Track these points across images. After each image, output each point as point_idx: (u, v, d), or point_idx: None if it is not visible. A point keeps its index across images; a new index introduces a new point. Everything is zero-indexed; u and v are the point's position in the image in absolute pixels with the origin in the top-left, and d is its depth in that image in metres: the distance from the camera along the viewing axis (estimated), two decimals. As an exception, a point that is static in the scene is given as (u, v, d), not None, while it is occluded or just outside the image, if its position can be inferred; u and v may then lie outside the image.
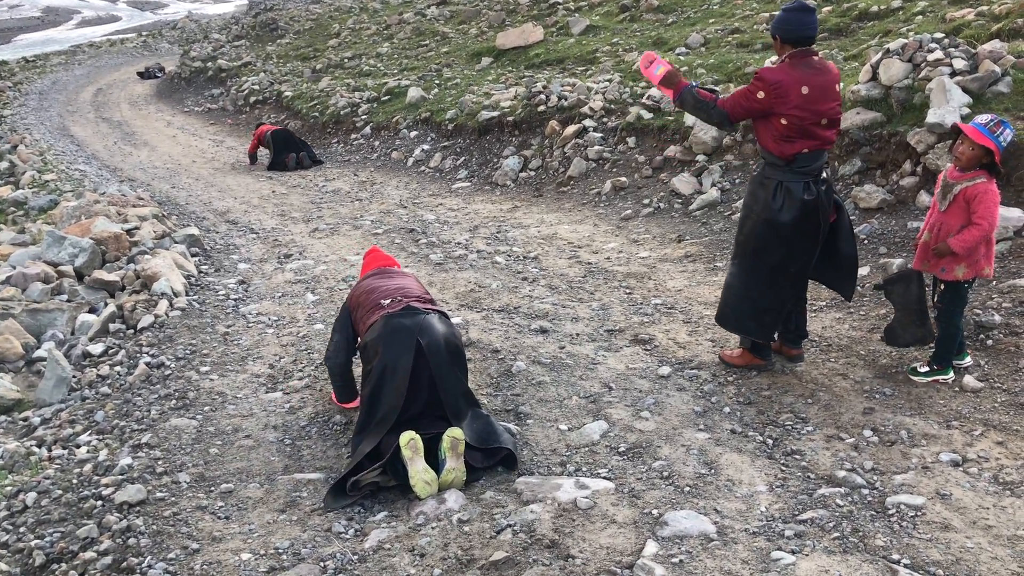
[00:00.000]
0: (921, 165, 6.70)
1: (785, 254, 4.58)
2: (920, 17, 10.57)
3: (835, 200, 4.68)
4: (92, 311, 6.52)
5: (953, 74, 6.94)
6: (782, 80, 4.31)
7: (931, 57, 7.17)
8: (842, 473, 3.83)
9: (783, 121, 4.37)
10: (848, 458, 3.98)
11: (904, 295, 4.70)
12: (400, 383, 4.11)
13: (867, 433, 4.18)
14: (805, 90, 4.29)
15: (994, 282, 5.40)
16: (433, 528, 3.64)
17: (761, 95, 4.36)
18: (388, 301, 4.40)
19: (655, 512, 3.62)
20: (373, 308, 4.43)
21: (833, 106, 4.42)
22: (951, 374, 4.63)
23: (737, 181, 8.25)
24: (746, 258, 4.73)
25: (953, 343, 4.63)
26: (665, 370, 5.02)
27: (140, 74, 28.58)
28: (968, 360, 4.74)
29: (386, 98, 15.28)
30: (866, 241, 6.50)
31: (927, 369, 4.67)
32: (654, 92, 10.20)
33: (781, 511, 3.60)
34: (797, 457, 4.04)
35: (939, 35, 7.52)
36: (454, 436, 3.98)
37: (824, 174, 4.58)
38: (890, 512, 3.52)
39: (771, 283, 4.66)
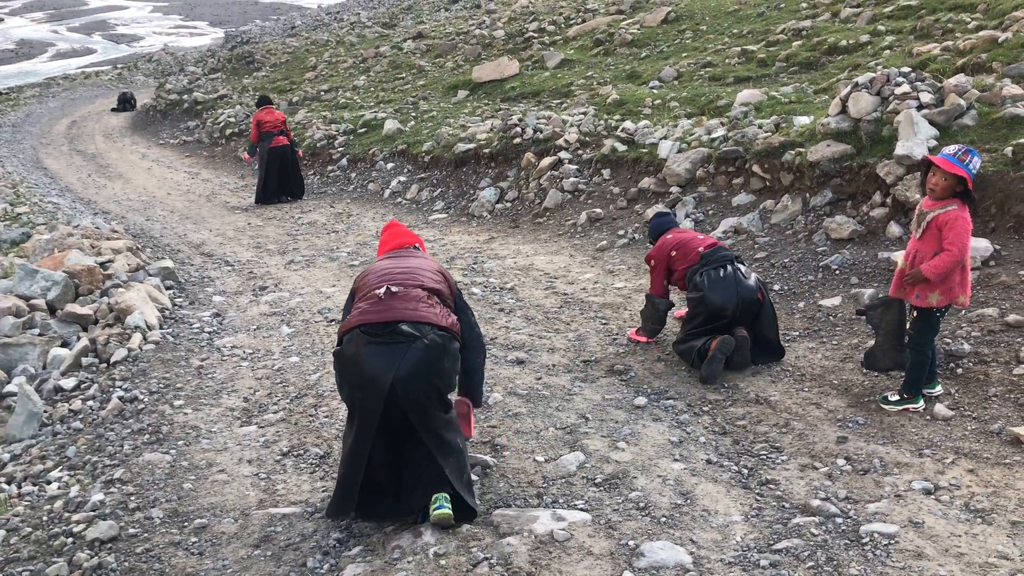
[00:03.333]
0: (891, 196, 6.82)
1: None
2: (888, 51, 10.82)
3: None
4: (64, 345, 6.45)
5: (920, 107, 7.09)
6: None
7: (899, 91, 7.33)
8: (816, 502, 3.85)
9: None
10: (822, 487, 4.00)
11: (885, 320, 4.79)
12: (367, 429, 3.71)
13: (840, 462, 4.22)
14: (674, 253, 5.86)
15: (963, 311, 5.48)
16: (409, 562, 3.62)
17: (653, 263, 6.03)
18: (382, 290, 3.89)
19: (631, 543, 3.62)
20: (367, 295, 3.96)
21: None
22: (921, 403, 4.69)
23: (711, 212, 8.35)
24: None
25: (923, 371, 4.69)
26: (641, 400, 5.05)
27: (115, 109, 28.46)
28: (939, 389, 4.81)
29: (363, 130, 15.35)
30: (837, 271, 6.58)
31: (897, 398, 4.73)
32: (628, 125, 10.33)
33: (757, 541, 3.61)
34: (772, 487, 4.06)
35: (906, 69, 7.70)
36: (441, 517, 3.71)
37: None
38: (864, 541, 3.54)
39: None
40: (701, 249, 5.71)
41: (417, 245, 4.50)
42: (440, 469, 3.77)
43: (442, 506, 3.73)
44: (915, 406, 4.67)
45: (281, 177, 13.14)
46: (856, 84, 7.68)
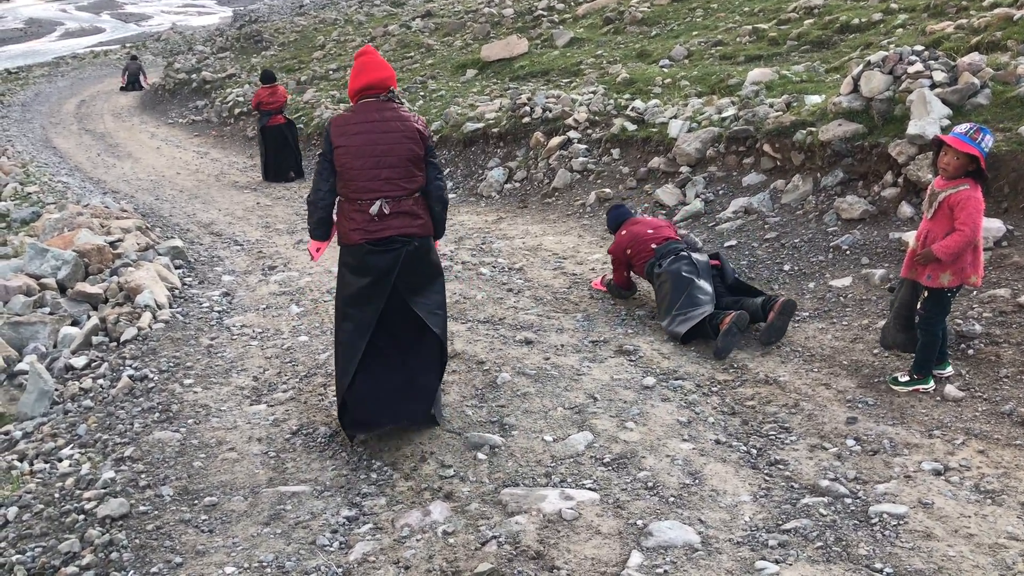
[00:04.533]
0: (902, 176, 6.77)
1: None
2: (900, 30, 10.70)
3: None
4: (75, 324, 6.48)
5: (933, 86, 7.02)
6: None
7: (911, 69, 7.25)
8: (825, 483, 3.85)
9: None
10: (831, 467, 4.00)
11: (897, 298, 4.83)
12: (365, 330, 4.42)
13: (850, 442, 4.21)
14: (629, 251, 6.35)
15: (974, 292, 5.45)
16: (418, 540, 3.64)
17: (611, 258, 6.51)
18: (375, 208, 4.38)
19: (640, 523, 3.63)
20: (354, 203, 4.44)
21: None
22: (931, 383, 4.67)
23: (720, 192, 8.30)
24: None
25: (932, 352, 4.67)
26: (649, 380, 5.04)
27: (123, 88, 28.40)
28: (950, 369, 4.79)
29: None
30: (848, 252, 6.54)
31: (907, 379, 4.71)
32: (638, 104, 10.26)
33: (765, 521, 3.62)
34: (781, 467, 4.06)
35: (919, 48, 7.61)
36: None
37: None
38: (873, 521, 3.54)
39: None
40: (653, 245, 6.19)
41: (392, 89, 4.57)
42: (432, 385, 4.60)
43: None
44: (925, 387, 4.66)
45: (279, 156, 13.28)
46: (868, 63, 7.60)
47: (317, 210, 4.58)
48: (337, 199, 4.57)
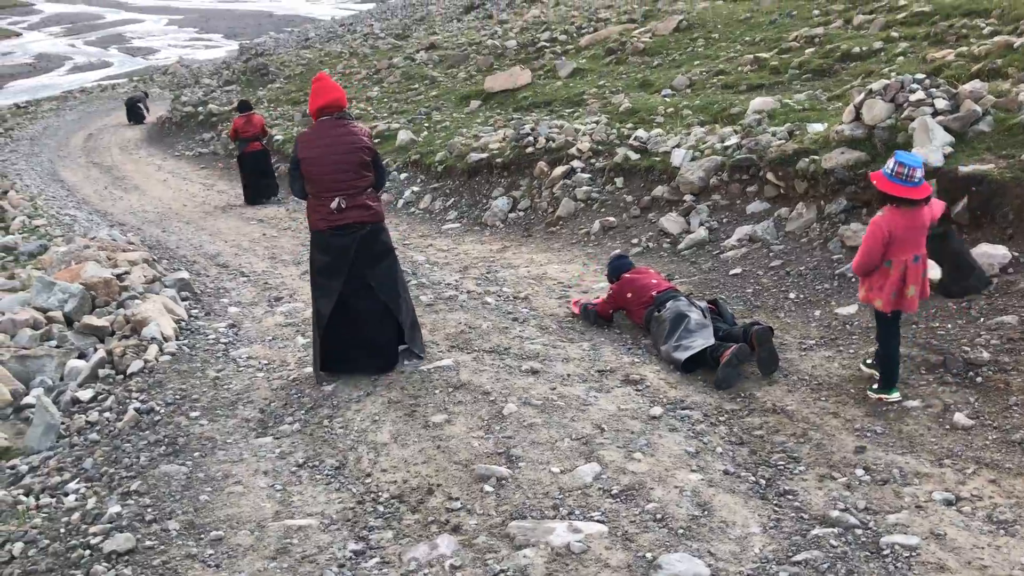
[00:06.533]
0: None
1: None
2: (901, 58, 10.77)
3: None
4: (81, 357, 6.49)
5: (935, 114, 7.05)
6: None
7: (913, 97, 7.29)
8: (835, 513, 3.82)
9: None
10: (841, 498, 3.97)
11: (941, 252, 5.17)
12: (331, 295, 5.72)
13: (859, 472, 4.18)
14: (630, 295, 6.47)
15: (982, 319, 5.44)
16: (425, 574, 3.61)
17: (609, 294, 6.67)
18: (335, 204, 5.63)
19: (649, 555, 3.60)
20: (319, 199, 5.70)
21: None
22: (895, 395, 4.90)
23: (724, 220, 8.32)
24: None
25: (887, 365, 4.94)
26: (657, 410, 5.02)
27: (130, 114, 28.58)
28: (896, 395, 4.91)
29: (376, 141, 15.39)
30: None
31: (876, 387, 4.98)
32: (640, 133, 10.32)
33: (775, 552, 3.59)
34: (790, 497, 4.03)
35: (920, 75, 7.66)
36: None
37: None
38: (884, 552, 3.51)
39: None
40: (654, 292, 6.30)
41: (344, 109, 5.80)
42: (398, 328, 5.94)
43: None
44: (888, 397, 4.90)
45: (257, 181, 14.25)
46: (870, 91, 7.64)
47: (297, 194, 5.95)
48: (307, 200, 5.85)
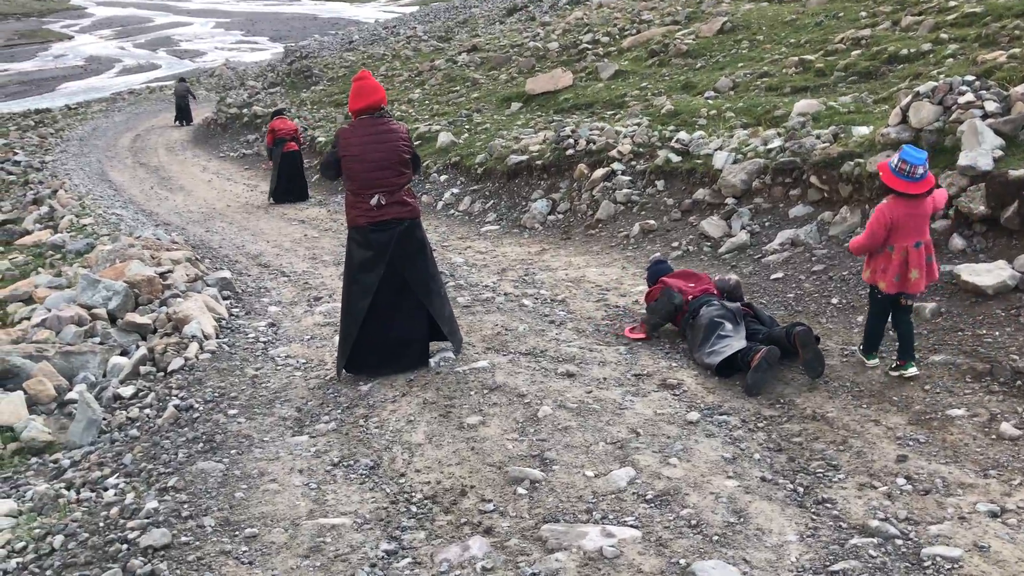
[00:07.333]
0: (953, 208, 6.62)
1: None
2: (951, 60, 10.54)
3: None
4: (124, 354, 6.60)
5: (985, 116, 6.88)
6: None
7: (962, 99, 7.12)
8: (875, 523, 3.73)
9: None
10: (881, 507, 3.88)
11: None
12: (368, 291, 5.80)
13: (900, 481, 4.09)
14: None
15: (1031, 326, 5.30)
16: (457, 576, 3.60)
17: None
18: (375, 200, 5.76)
19: (683, 562, 3.55)
20: (359, 196, 5.84)
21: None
22: (873, 360, 5.40)
23: (767, 224, 8.21)
24: None
25: (870, 334, 5.45)
26: (694, 415, 4.96)
27: (179, 114, 29.09)
28: (874, 361, 5.40)
29: (417, 143, 15.46)
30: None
31: (895, 367, 5.30)
32: (682, 135, 10.23)
33: (812, 562, 3.51)
34: (829, 506, 3.95)
35: (970, 77, 7.48)
36: None
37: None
38: (926, 564, 3.42)
39: None
40: (690, 297, 6.25)
41: (383, 107, 5.93)
42: (429, 324, 6.02)
43: None
44: (867, 361, 5.44)
45: (290, 180, 14.78)
46: (917, 93, 7.49)
47: (330, 178, 6.22)
48: (345, 194, 6.03)
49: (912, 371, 5.16)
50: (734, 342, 5.57)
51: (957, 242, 6.46)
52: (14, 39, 72.01)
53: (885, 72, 11.46)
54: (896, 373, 5.22)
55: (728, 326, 5.77)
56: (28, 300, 8.14)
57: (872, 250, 5.20)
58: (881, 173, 5.11)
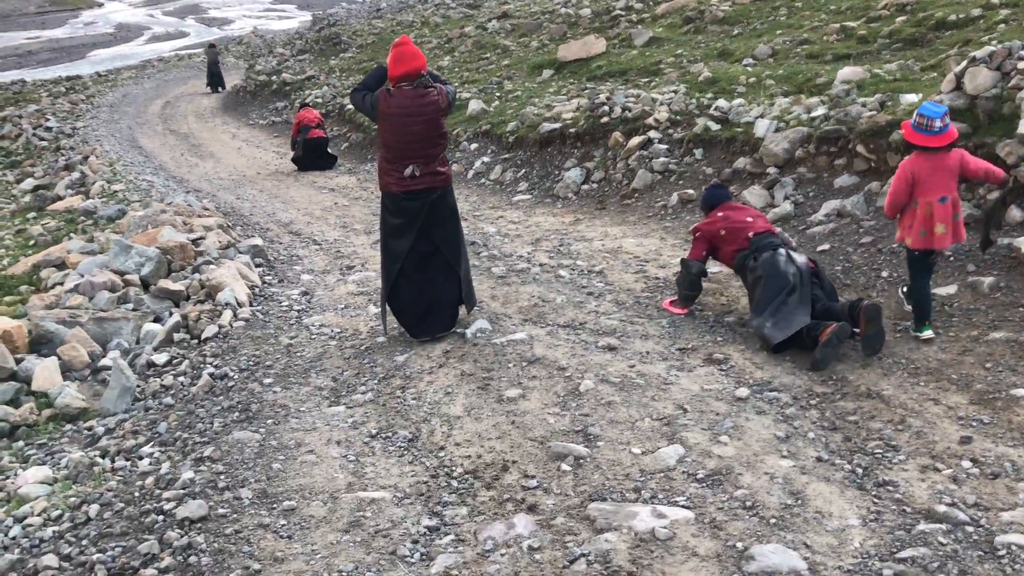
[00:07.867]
0: (1012, 178, 6.34)
1: None
2: (1003, 25, 10.15)
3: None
4: (157, 320, 6.52)
5: (1046, 83, 6.58)
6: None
7: (1022, 65, 6.81)
8: (942, 508, 3.55)
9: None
10: (947, 491, 3.70)
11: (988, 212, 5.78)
12: (399, 256, 5.88)
13: (966, 464, 3.90)
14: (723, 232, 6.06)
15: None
16: (502, 555, 3.47)
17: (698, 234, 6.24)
18: (408, 171, 5.75)
19: (739, 545, 3.40)
20: (392, 164, 5.81)
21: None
22: (927, 332, 5.26)
23: (811, 194, 7.96)
24: None
25: (918, 301, 5.33)
26: (743, 392, 4.78)
27: (210, 79, 29.06)
28: (928, 333, 5.24)
29: (447, 111, 15.23)
30: (952, 258, 6.17)
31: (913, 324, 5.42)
32: (721, 103, 9.95)
33: (877, 548, 3.35)
34: (890, 488, 3.78)
35: (1030, 43, 7.16)
36: None
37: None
38: (1000, 553, 3.24)
39: None
40: (750, 234, 5.87)
41: (424, 74, 5.79)
42: (458, 287, 6.03)
43: None
44: (920, 334, 5.26)
45: (315, 160, 14.81)
46: (973, 59, 7.17)
47: (364, 111, 6.04)
48: (379, 159, 5.99)
49: (928, 333, 5.25)
50: (798, 316, 5.32)
51: (1015, 213, 6.19)
52: (45, 6, 72.23)
53: (932, 39, 11.07)
54: (915, 334, 5.32)
55: (794, 296, 5.41)
56: (61, 265, 8.09)
57: (898, 207, 5.31)
58: (904, 131, 5.29)
